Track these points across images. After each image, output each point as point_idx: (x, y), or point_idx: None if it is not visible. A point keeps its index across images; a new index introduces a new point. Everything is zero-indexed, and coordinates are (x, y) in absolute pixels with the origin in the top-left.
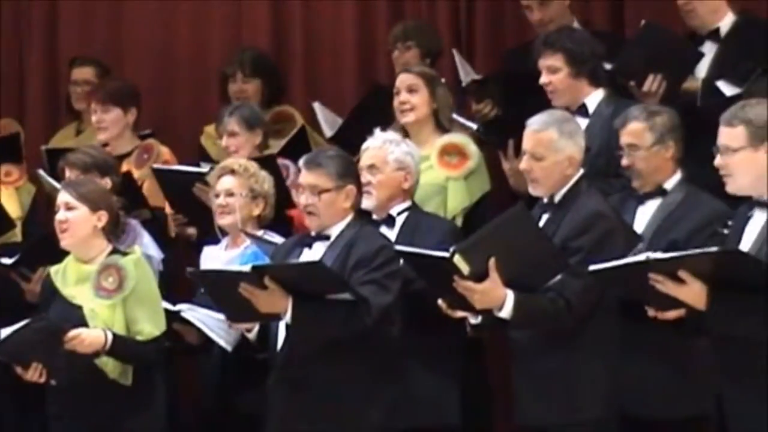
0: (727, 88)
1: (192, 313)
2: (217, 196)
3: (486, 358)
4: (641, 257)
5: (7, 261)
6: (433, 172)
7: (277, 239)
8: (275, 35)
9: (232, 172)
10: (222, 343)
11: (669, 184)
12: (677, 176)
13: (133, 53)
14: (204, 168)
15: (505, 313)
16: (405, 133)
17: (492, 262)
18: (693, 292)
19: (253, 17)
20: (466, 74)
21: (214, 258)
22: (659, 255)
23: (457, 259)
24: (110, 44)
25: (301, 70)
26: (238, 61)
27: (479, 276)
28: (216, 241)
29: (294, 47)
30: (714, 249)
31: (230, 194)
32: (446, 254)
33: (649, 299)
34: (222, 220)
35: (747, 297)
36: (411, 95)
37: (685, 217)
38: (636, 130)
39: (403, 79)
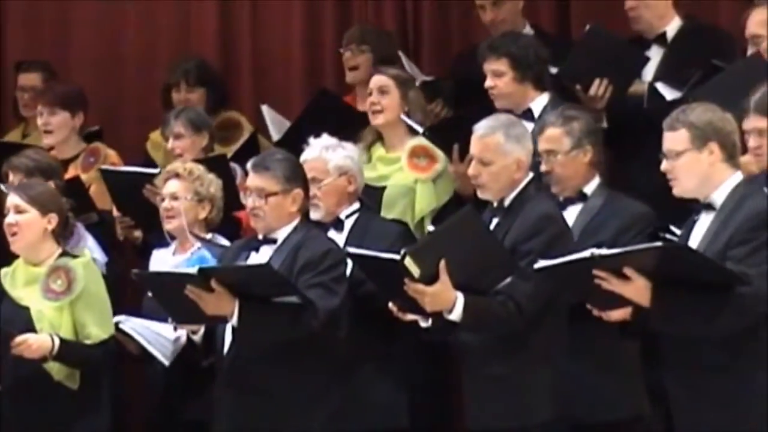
0: (667, 92)
1: (129, 324)
2: (163, 200)
3: (446, 361)
4: (586, 253)
5: None
6: (403, 173)
7: (226, 242)
8: (222, 36)
9: (177, 175)
10: (159, 356)
11: (589, 189)
12: (596, 180)
13: (79, 56)
14: (154, 169)
15: (455, 315)
16: (379, 135)
17: (442, 264)
18: (637, 289)
19: (200, 20)
20: (415, 76)
21: (162, 262)
22: (604, 251)
23: (408, 262)
24: (56, 47)
25: (249, 72)
26: (181, 71)
27: (429, 279)
28: (166, 245)
29: (242, 49)
30: (660, 244)
31: (175, 198)
32: (397, 257)
33: (593, 298)
34: (168, 225)
35: (691, 294)
36: (382, 96)
37: (608, 220)
38: (553, 136)
39: (375, 80)
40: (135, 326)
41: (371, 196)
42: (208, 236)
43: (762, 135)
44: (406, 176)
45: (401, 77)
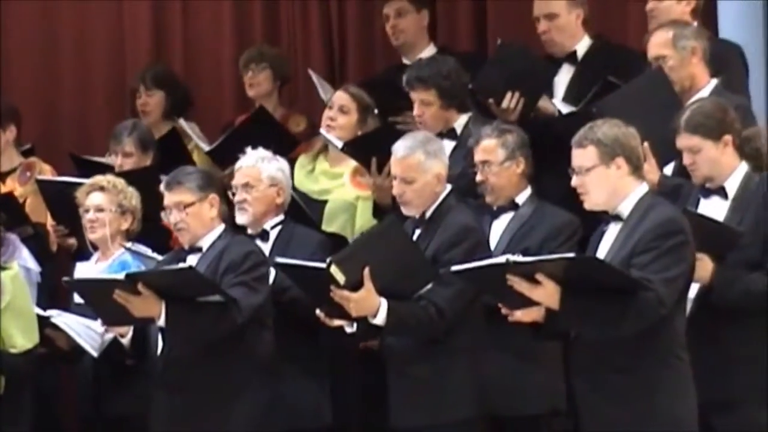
0: (566, 108)
1: (61, 318)
2: (87, 211)
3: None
4: (501, 259)
5: None
6: (344, 189)
7: (146, 250)
8: (156, 35)
9: (102, 188)
10: (88, 348)
11: (520, 199)
12: (528, 191)
13: (14, 70)
14: (85, 180)
15: (379, 320)
16: (325, 147)
17: (366, 271)
18: (547, 293)
19: (134, 24)
20: (325, 92)
21: (86, 272)
22: (519, 258)
23: (334, 270)
24: None
25: (181, 70)
26: (140, 76)
27: (354, 285)
28: (88, 257)
29: (174, 49)
30: (571, 255)
31: (100, 210)
32: (323, 265)
33: (504, 299)
34: (92, 235)
35: (598, 298)
36: (341, 114)
37: (536, 227)
38: (488, 147)
39: (339, 97)
40: (66, 320)
41: (314, 209)
42: (128, 245)
43: (693, 152)
44: (348, 192)
45: (364, 101)
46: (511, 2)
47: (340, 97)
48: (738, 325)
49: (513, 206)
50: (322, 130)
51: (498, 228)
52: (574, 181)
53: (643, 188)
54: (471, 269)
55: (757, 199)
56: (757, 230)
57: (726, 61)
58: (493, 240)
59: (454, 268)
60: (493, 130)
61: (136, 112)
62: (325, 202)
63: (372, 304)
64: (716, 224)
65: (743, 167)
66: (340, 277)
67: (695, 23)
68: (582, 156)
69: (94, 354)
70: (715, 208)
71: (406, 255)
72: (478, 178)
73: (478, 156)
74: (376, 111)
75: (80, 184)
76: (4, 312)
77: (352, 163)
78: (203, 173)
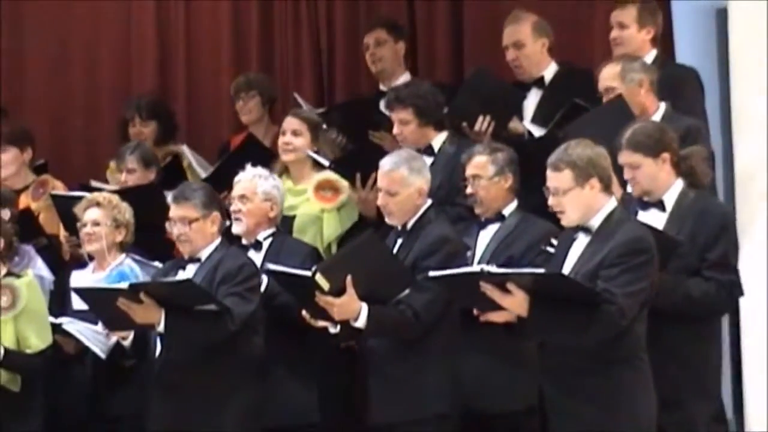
0: (534, 129)
1: (72, 325)
2: (84, 225)
3: (353, 363)
4: (476, 268)
5: None
6: (310, 204)
7: (140, 259)
8: (160, 62)
9: (98, 204)
10: (98, 351)
11: (507, 211)
12: (514, 204)
13: (30, 97)
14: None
15: (360, 323)
16: (286, 168)
17: (349, 279)
18: (516, 302)
19: (141, 47)
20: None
21: (82, 280)
22: (492, 269)
23: (319, 278)
24: (10, 91)
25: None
26: (135, 107)
27: (338, 291)
28: (83, 266)
29: (177, 78)
30: (540, 270)
31: (96, 224)
32: (309, 273)
33: (477, 304)
34: (90, 247)
35: (563, 309)
36: (294, 137)
37: (520, 237)
38: (480, 163)
39: (289, 122)
40: (77, 327)
41: (284, 224)
42: (122, 256)
43: (633, 168)
44: (313, 206)
45: (312, 121)
46: (486, 34)
47: (290, 122)
48: (680, 328)
49: (500, 218)
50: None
51: (485, 237)
52: (551, 201)
53: (612, 203)
54: (447, 276)
55: (694, 213)
56: (693, 241)
57: (683, 84)
58: (480, 248)
59: (432, 273)
60: (484, 148)
61: (128, 139)
62: (293, 217)
63: (353, 309)
64: (659, 233)
65: (679, 183)
66: (324, 284)
67: (654, 50)
68: (558, 178)
69: (102, 356)
70: (653, 220)
71: (384, 264)
72: (469, 190)
73: (470, 170)
74: (324, 126)
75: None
76: (20, 316)
77: (315, 179)
78: (208, 191)
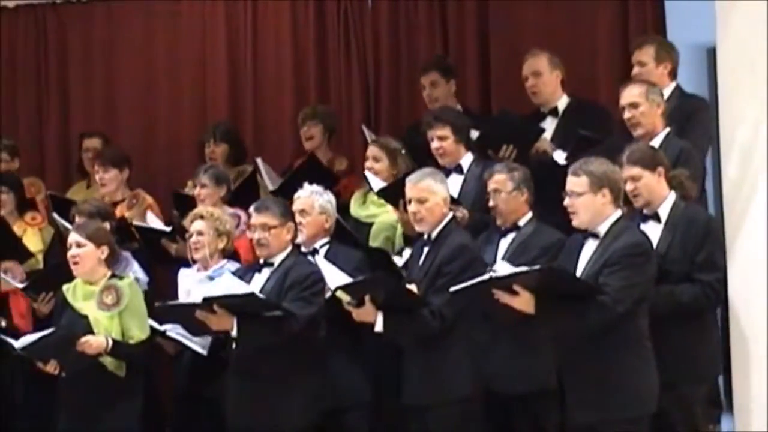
0: (559, 157)
1: (175, 331)
2: (191, 236)
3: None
4: (485, 276)
5: (19, 285)
6: (389, 214)
7: (237, 264)
8: (231, 71)
9: (201, 217)
10: (199, 349)
11: (522, 222)
12: (529, 215)
13: (123, 125)
14: (167, 228)
15: (378, 328)
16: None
17: (367, 298)
18: (524, 301)
19: (214, 82)
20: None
21: (188, 276)
22: (498, 274)
23: (339, 293)
24: (106, 119)
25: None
26: (210, 132)
27: (359, 302)
28: (189, 265)
29: (246, 108)
30: (538, 267)
31: (201, 234)
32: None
33: (494, 310)
34: (196, 255)
35: (565, 302)
36: (375, 162)
37: (533, 244)
38: (500, 179)
39: (371, 150)
40: (179, 331)
41: (362, 230)
42: (224, 261)
43: (635, 180)
44: (391, 216)
45: (390, 147)
46: (509, 67)
47: (371, 150)
48: (674, 323)
49: (516, 227)
50: (367, 172)
51: (504, 244)
52: (567, 201)
53: (617, 213)
54: (463, 288)
55: (683, 222)
56: (684, 248)
57: (693, 112)
58: (501, 253)
59: (452, 289)
60: (503, 167)
61: (204, 158)
62: (372, 224)
63: (370, 317)
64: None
65: (672, 195)
66: (346, 298)
67: (673, 83)
68: (576, 183)
69: (204, 353)
70: (652, 231)
71: (393, 293)
72: (490, 203)
73: (491, 185)
74: (403, 151)
75: (162, 232)
76: (123, 312)
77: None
78: (284, 204)
